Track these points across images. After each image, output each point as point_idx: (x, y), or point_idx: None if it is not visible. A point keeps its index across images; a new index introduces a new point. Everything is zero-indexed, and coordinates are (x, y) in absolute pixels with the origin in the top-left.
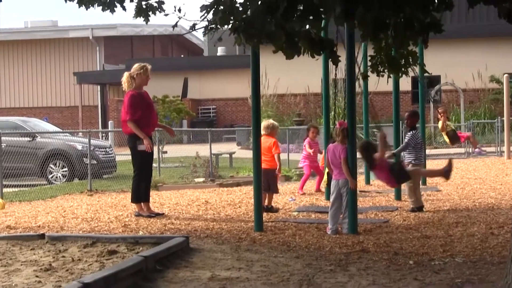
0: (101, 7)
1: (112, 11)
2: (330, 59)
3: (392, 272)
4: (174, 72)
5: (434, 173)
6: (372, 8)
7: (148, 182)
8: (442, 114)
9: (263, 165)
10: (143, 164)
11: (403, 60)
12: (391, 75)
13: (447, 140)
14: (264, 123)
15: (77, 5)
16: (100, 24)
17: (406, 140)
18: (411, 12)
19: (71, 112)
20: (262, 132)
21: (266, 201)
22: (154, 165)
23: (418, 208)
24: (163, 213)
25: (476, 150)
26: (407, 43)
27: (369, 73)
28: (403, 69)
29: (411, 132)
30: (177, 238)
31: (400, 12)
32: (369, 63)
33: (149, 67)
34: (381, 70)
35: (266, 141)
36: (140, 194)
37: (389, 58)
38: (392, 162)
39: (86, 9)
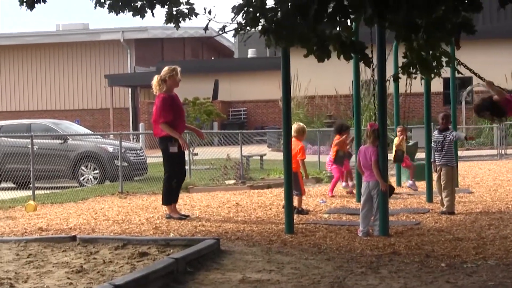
0: (131, 13)
1: (142, 16)
2: (362, 61)
3: (423, 275)
4: (204, 74)
5: None
6: (401, 8)
7: (180, 184)
8: (401, 132)
9: None
10: (174, 166)
11: (435, 61)
12: (423, 77)
13: (392, 155)
14: (295, 126)
15: (107, 10)
16: (131, 26)
17: (446, 143)
18: (442, 13)
19: (102, 115)
20: (292, 134)
21: (296, 203)
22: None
23: (450, 213)
24: (188, 216)
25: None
26: (439, 44)
27: (401, 75)
28: (435, 70)
29: (444, 133)
30: (208, 240)
31: (431, 13)
32: (400, 65)
33: (179, 69)
34: (413, 71)
35: (293, 144)
36: (171, 197)
37: (421, 59)
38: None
39: (116, 15)
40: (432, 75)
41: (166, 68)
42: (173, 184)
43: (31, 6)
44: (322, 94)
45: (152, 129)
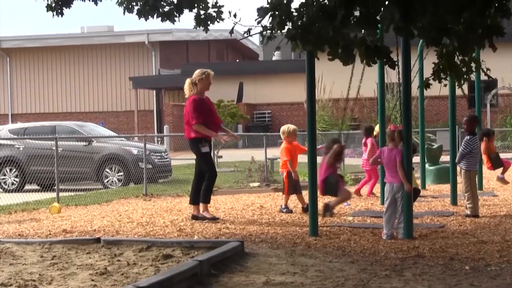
0: (160, 18)
1: (172, 21)
2: (386, 65)
3: (448, 278)
4: (229, 77)
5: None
6: (427, 11)
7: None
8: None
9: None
10: (211, 165)
11: (464, 67)
12: (447, 83)
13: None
14: (282, 128)
15: (137, 16)
16: (155, 29)
17: (461, 148)
18: (471, 16)
19: (127, 117)
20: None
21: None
22: None
23: (474, 216)
24: (218, 218)
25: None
26: (472, 48)
27: (431, 81)
28: (465, 76)
29: (467, 137)
30: (232, 242)
31: (459, 17)
32: (425, 69)
33: (212, 73)
34: (444, 77)
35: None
36: (209, 195)
37: (451, 64)
38: (334, 175)
39: (146, 20)
40: (462, 81)
41: (197, 71)
42: (211, 185)
43: (60, 13)
44: (349, 96)
45: (184, 131)
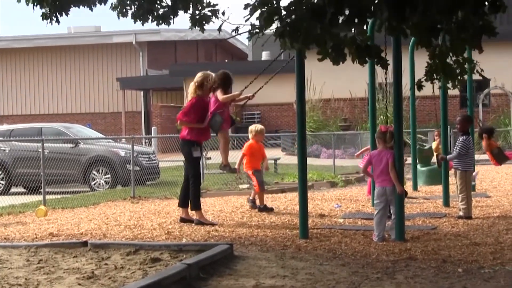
0: (155, 22)
1: (168, 23)
2: (378, 64)
3: (440, 280)
4: None
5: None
6: (417, 10)
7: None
8: (438, 136)
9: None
10: (198, 170)
11: (458, 68)
12: (440, 85)
13: (434, 160)
14: (250, 127)
15: (133, 21)
16: (143, 29)
17: (457, 147)
18: (464, 16)
19: (114, 118)
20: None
21: (258, 201)
22: None
23: (467, 217)
24: (216, 223)
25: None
26: (464, 48)
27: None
28: (459, 77)
29: (462, 137)
30: (221, 245)
31: (452, 16)
32: (416, 69)
33: (212, 75)
34: (436, 78)
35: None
36: (199, 201)
37: (445, 65)
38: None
39: (142, 24)
40: (456, 82)
41: (201, 74)
42: (198, 191)
43: (56, 21)
44: (337, 97)
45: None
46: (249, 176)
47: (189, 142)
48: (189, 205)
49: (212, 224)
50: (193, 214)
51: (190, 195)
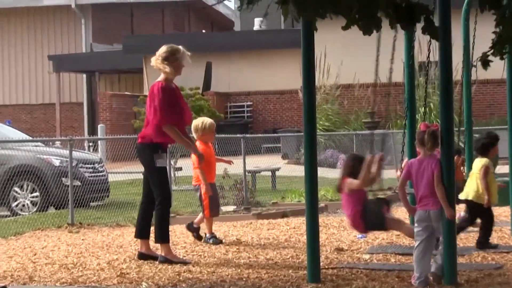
0: None
1: None
2: (425, 33)
3: None
4: (192, 55)
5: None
6: None
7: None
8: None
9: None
10: (165, 187)
11: None
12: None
13: None
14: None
15: None
16: None
17: None
18: None
19: (45, 113)
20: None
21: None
22: None
23: None
24: (190, 262)
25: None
26: None
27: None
28: None
29: None
30: None
31: None
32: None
33: (183, 49)
34: (507, 51)
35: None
36: (167, 230)
37: None
38: (373, 199)
39: None
40: None
41: (165, 48)
42: (167, 216)
43: None
44: (361, 82)
45: (142, 132)
46: (201, 194)
47: (151, 146)
48: (153, 235)
49: (184, 263)
50: (157, 248)
51: (155, 221)
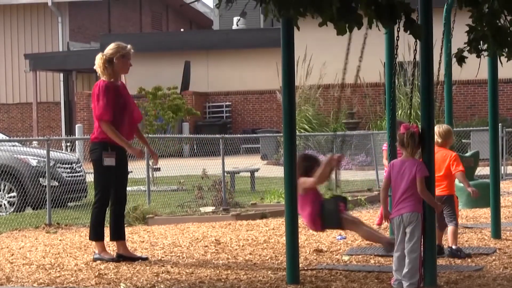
0: None
1: None
2: (407, 32)
3: None
4: (170, 54)
5: (373, 237)
6: None
7: (122, 211)
8: None
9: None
10: (108, 184)
11: None
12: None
13: None
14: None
15: None
16: None
17: None
18: None
19: (21, 112)
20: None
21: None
22: (141, 188)
23: None
24: (147, 257)
25: None
26: None
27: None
28: None
29: None
30: None
31: None
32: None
33: (131, 49)
34: (483, 48)
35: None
36: (101, 229)
37: (496, 29)
38: (328, 198)
39: None
40: None
41: (112, 45)
42: (102, 214)
43: None
44: (341, 82)
45: (94, 132)
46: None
47: (100, 144)
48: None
49: (113, 260)
50: (135, 249)
51: (91, 218)
